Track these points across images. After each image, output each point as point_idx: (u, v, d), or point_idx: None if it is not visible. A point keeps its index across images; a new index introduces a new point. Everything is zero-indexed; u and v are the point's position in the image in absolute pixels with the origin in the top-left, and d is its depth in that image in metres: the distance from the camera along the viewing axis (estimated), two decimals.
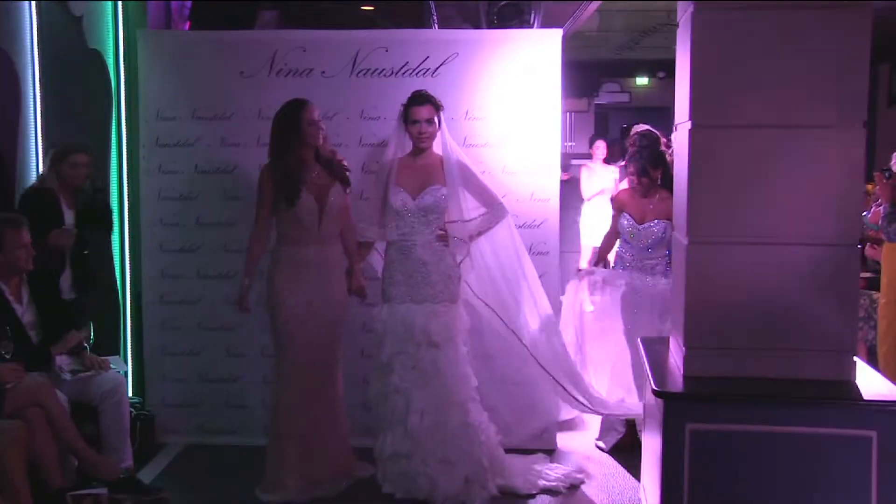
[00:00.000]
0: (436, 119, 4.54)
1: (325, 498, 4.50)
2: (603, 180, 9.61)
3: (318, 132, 4.49)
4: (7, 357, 4.14)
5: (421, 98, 4.53)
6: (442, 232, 4.55)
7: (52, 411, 4.10)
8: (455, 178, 4.55)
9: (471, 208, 4.66)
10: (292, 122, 4.43)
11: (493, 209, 4.68)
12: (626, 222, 5.14)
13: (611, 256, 5.48)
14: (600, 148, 10.03)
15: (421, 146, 4.57)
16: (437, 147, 4.62)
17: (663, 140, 5.16)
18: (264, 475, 4.56)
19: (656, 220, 5.05)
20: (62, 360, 4.45)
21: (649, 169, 5.09)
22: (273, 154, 4.50)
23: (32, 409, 4.05)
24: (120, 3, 5.46)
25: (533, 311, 4.81)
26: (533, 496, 4.56)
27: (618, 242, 5.33)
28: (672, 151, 5.08)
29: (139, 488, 4.37)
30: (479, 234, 4.68)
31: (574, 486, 4.67)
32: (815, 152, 3.32)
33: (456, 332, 4.55)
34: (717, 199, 3.40)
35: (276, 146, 4.48)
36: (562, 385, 4.79)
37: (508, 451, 4.74)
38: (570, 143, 14.52)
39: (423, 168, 4.57)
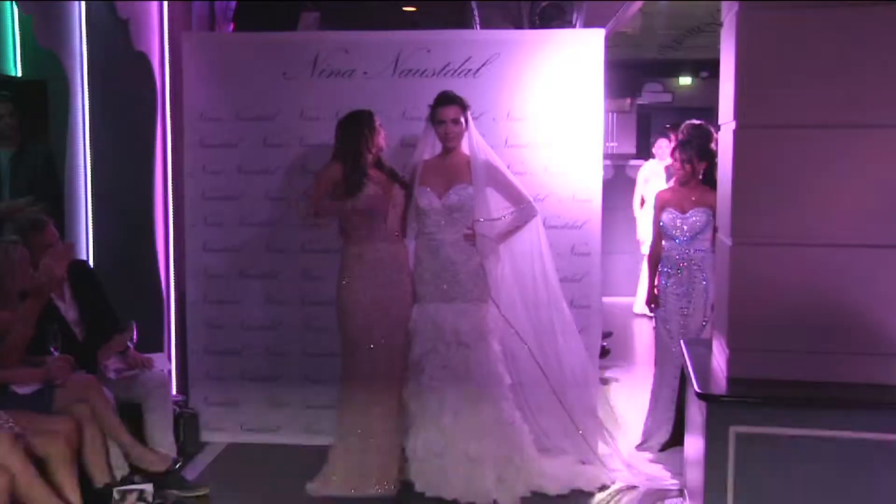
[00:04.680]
0: (462, 119, 4.56)
1: (373, 497, 4.52)
2: (662, 183, 8.66)
3: (385, 137, 4.63)
4: (55, 353, 4.21)
5: (446, 98, 4.56)
6: (469, 231, 4.56)
7: (99, 407, 4.17)
8: (481, 177, 4.56)
9: (500, 207, 4.67)
10: (367, 129, 4.54)
11: (522, 208, 4.68)
12: (668, 216, 5.10)
13: None
14: (663, 147, 8.86)
15: (447, 146, 4.60)
16: (465, 147, 4.63)
17: (715, 137, 5.13)
18: (322, 469, 4.61)
19: (699, 209, 5.02)
20: (107, 359, 4.52)
21: (695, 159, 5.06)
22: (342, 152, 4.56)
23: (80, 405, 4.12)
24: (165, 6, 5.54)
25: (558, 335, 4.81)
26: (565, 497, 4.53)
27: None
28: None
29: (183, 485, 4.43)
30: (509, 233, 4.68)
31: (605, 487, 4.65)
32: (862, 152, 3.27)
33: (487, 330, 4.57)
34: (761, 200, 3.36)
35: (346, 148, 4.55)
36: (585, 439, 4.80)
37: (541, 451, 4.73)
38: (612, 144, 14.43)
39: (449, 168, 4.60)
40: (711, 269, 4.96)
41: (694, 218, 5.03)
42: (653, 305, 5.23)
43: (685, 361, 3.85)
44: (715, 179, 5.07)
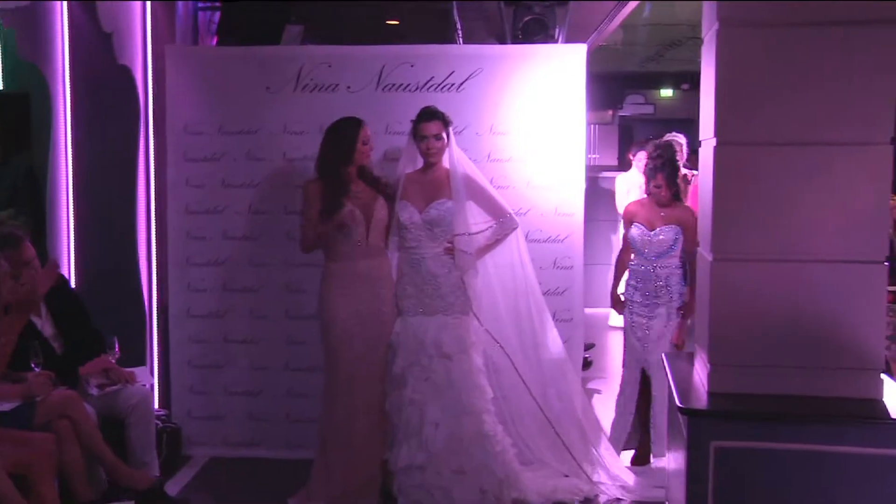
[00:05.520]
0: (444, 134, 4.60)
1: None
2: (640, 193, 9.06)
3: (370, 151, 4.61)
4: (36, 369, 4.18)
5: (429, 114, 4.60)
6: (450, 245, 4.59)
7: (80, 423, 4.14)
8: (461, 192, 4.60)
9: (480, 221, 4.70)
10: (347, 141, 4.53)
11: (502, 221, 4.72)
12: (636, 231, 5.11)
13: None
14: (643, 159, 8.68)
15: (429, 161, 4.64)
16: (446, 162, 4.67)
17: (679, 147, 5.18)
18: (305, 484, 4.61)
19: (667, 227, 5.04)
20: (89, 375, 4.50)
21: (671, 179, 5.09)
22: (321, 169, 4.57)
23: (62, 421, 4.09)
24: (149, 20, 5.53)
25: (541, 347, 4.85)
26: None
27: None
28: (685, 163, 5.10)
29: (165, 500, 4.40)
30: (489, 246, 4.72)
31: (588, 500, 4.67)
32: (841, 169, 3.31)
33: (469, 343, 4.59)
34: (741, 216, 3.40)
35: (326, 161, 4.55)
36: (570, 451, 4.82)
37: (524, 463, 4.76)
38: (594, 156, 14.49)
39: (430, 182, 4.64)
40: (678, 285, 5.04)
41: (662, 236, 5.04)
42: (617, 308, 5.30)
43: (666, 375, 3.88)
44: (677, 185, 5.15)
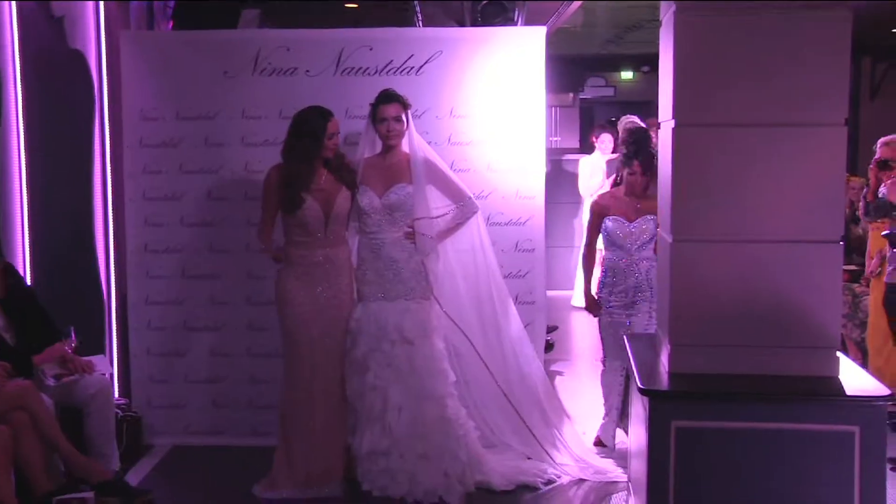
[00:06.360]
0: (403, 117, 4.58)
1: (319, 498, 4.51)
2: (603, 176, 8.79)
3: (336, 145, 4.56)
4: None
5: (388, 96, 4.59)
6: (410, 229, 4.59)
7: (37, 415, 4.08)
8: (421, 176, 4.59)
9: (440, 206, 4.70)
10: (313, 133, 4.47)
11: (462, 205, 4.71)
12: (613, 224, 4.98)
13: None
14: (606, 141, 9.03)
15: (389, 144, 4.62)
16: (405, 146, 4.65)
17: (651, 133, 5.09)
18: (269, 472, 4.59)
19: (646, 217, 4.93)
20: (46, 365, 4.43)
21: (647, 165, 4.93)
22: (285, 157, 4.52)
23: (17, 413, 4.03)
24: (101, 4, 5.43)
25: (503, 331, 4.84)
26: (511, 492, 4.57)
27: (602, 251, 5.20)
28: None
29: (126, 491, 4.35)
30: (450, 230, 4.72)
31: (551, 482, 4.69)
32: (797, 150, 3.34)
33: (431, 328, 4.60)
34: (700, 197, 3.42)
35: (292, 151, 4.50)
36: (533, 434, 4.82)
37: (487, 447, 4.77)
38: (555, 138, 14.54)
39: (390, 167, 4.62)
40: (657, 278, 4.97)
41: (643, 226, 4.94)
42: (594, 310, 5.12)
43: (628, 357, 3.90)
44: (655, 172, 5.08)
